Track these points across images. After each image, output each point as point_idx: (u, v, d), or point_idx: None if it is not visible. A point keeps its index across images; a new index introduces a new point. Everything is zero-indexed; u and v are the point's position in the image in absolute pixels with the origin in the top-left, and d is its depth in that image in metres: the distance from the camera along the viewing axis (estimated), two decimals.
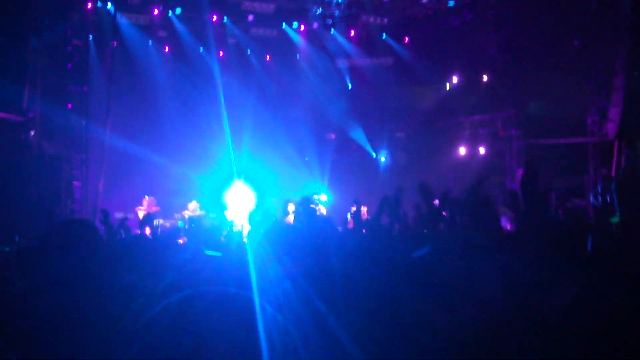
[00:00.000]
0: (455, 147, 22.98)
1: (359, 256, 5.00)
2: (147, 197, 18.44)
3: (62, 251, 3.58)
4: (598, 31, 18.26)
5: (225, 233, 9.63)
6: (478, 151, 22.21)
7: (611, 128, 18.30)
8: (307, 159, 23.73)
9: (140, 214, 17.12)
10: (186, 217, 18.50)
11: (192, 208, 18.79)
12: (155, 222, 17.17)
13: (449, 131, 23.52)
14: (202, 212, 18.76)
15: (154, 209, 18.37)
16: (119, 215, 15.94)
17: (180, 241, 6.73)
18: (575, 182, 18.58)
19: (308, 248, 4.90)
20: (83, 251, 3.56)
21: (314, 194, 18.92)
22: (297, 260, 4.72)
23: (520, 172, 19.68)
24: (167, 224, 18.57)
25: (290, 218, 14.83)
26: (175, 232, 9.86)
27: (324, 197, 17.25)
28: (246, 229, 13.31)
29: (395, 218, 5.98)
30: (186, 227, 15.69)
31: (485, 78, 22.13)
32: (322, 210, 14.42)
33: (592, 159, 18.83)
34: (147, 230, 11.83)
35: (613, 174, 17.96)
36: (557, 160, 19.05)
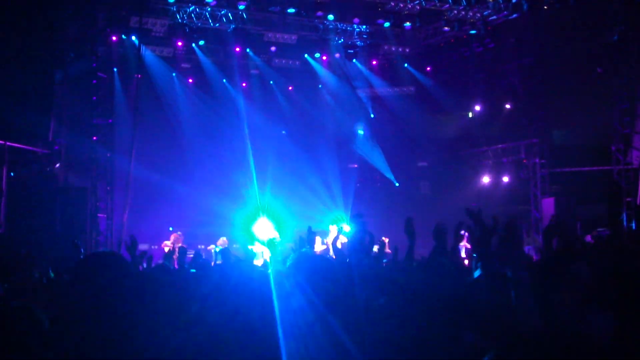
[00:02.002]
0: (479, 175, 22.91)
1: (385, 288, 5.00)
2: (176, 233, 18.33)
3: (91, 283, 3.61)
4: (620, 58, 18.21)
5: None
6: (502, 180, 22.13)
7: (636, 155, 18.20)
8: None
9: (167, 250, 17.07)
10: (212, 251, 18.48)
11: (221, 244, 18.77)
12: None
13: (473, 160, 23.47)
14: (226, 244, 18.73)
15: (180, 244, 18.32)
16: (143, 247, 16.02)
17: None
18: (601, 211, 18.42)
19: (332, 278, 4.90)
20: (112, 282, 3.59)
21: (338, 223, 18.88)
22: (320, 291, 4.73)
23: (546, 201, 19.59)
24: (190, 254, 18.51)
25: (318, 248, 14.83)
26: (204, 262, 9.91)
27: (346, 228, 17.23)
28: (270, 259, 13.32)
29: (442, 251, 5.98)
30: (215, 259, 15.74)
31: (508, 106, 22.10)
32: (344, 240, 14.39)
33: (617, 187, 18.67)
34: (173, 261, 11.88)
35: (639, 202, 17.83)
36: (581, 189, 18.95)
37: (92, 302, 3.37)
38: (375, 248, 7.58)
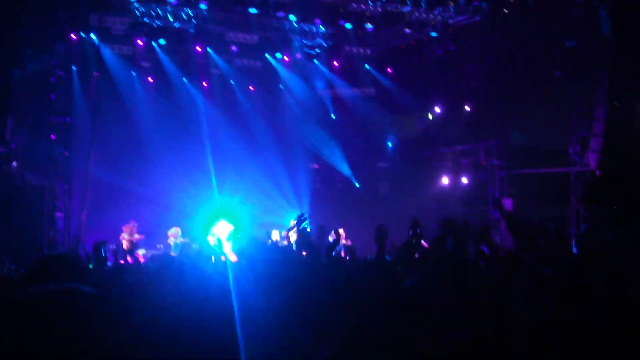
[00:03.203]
0: (438, 176, 23.07)
1: (342, 285, 5.01)
2: (128, 224, 18.17)
3: (43, 285, 3.56)
4: (579, 62, 18.46)
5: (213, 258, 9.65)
6: (461, 181, 22.30)
7: (592, 158, 18.44)
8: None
9: (125, 243, 16.94)
10: (171, 244, 18.38)
11: (174, 233, 18.66)
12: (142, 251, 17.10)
13: (432, 161, 23.63)
14: (186, 240, 18.64)
15: (137, 237, 18.19)
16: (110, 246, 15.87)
17: None
18: (557, 212, 18.68)
19: (290, 277, 4.91)
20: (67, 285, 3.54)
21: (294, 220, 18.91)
22: (278, 289, 4.73)
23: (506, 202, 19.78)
24: (149, 254, 18.37)
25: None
26: (166, 259, 9.83)
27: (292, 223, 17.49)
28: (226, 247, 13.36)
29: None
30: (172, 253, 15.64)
31: (467, 108, 22.27)
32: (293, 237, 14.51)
33: (574, 188, 18.91)
34: (129, 259, 11.80)
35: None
36: (538, 190, 19.20)
37: (43, 305, 3.32)
38: (330, 238, 7.64)
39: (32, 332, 1.86)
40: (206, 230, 19.53)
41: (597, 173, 17.90)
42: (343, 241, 11.07)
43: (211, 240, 16.05)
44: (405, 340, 3.94)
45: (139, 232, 18.46)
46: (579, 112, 18.93)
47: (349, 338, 3.92)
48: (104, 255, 8.74)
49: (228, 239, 16.12)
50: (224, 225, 19.46)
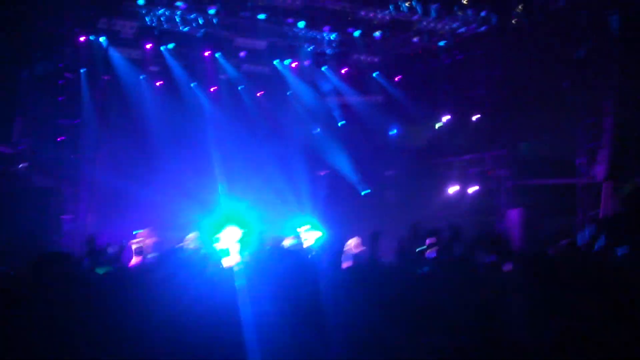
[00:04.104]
0: (445, 186, 23.00)
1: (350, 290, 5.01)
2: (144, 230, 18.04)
3: (39, 282, 3.57)
4: (587, 73, 18.44)
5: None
6: (467, 191, 22.25)
7: (600, 170, 18.41)
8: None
9: (139, 246, 16.78)
10: (190, 248, 18.31)
11: (192, 238, 18.58)
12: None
13: (439, 170, 23.57)
14: (201, 244, 18.58)
15: (151, 240, 18.02)
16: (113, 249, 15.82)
17: None
18: (564, 223, 18.61)
19: (296, 281, 4.90)
20: (60, 282, 3.54)
21: (304, 225, 18.90)
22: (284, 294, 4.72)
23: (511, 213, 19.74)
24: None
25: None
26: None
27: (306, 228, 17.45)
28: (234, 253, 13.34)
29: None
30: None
31: (475, 118, 22.25)
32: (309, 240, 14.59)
33: (581, 200, 18.87)
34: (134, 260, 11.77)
35: (601, 216, 18.02)
36: (545, 202, 19.14)
37: (41, 303, 3.32)
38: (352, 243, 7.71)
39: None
40: (215, 235, 19.49)
41: (604, 185, 17.87)
42: (356, 248, 11.09)
43: (220, 246, 15.99)
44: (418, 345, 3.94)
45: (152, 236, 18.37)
46: (587, 123, 18.91)
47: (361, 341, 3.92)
48: (98, 250, 8.74)
49: (238, 243, 16.13)
50: (233, 230, 19.42)
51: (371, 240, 6.49)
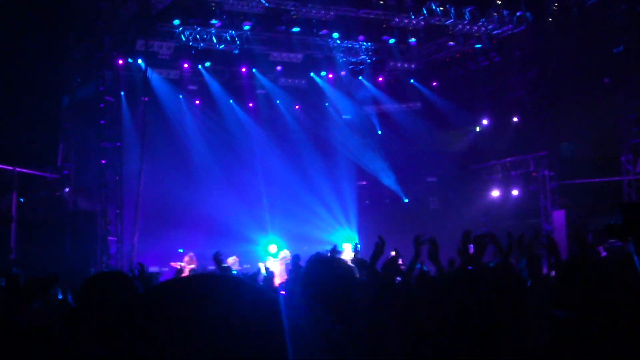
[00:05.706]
0: (488, 189, 22.85)
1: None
2: (188, 254, 18.09)
3: (96, 303, 3.58)
4: (627, 68, 18.15)
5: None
6: (511, 193, 22.05)
7: None
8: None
9: (184, 272, 16.86)
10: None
11: (232, 262, 18.62)
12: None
13: (481, 174, 23.44)
14: (244, 267, 18.59)
15: (191, 265, 18.13)
16: (153, 269, 15.97)
17: None
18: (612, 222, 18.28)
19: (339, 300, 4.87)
20: (118, 302, 3.55)
21: (352, 241, 18.83)
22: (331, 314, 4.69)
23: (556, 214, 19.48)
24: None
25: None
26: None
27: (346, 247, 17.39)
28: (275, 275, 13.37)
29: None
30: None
31: (515, 119, 22.07)
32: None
33: (628, 197, 18.57)
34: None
35: None
36: (591, 201, 18.84)
37: (98, 323, 3.35)
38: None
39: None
40: (262, 254, 19.58)
41: None
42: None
43: (265, 266, 16.01)
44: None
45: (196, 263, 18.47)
46: (629, 119, 18.63)
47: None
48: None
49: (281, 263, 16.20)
50: (275, 249, 19.45)
51: (416, 248, 6.42)
